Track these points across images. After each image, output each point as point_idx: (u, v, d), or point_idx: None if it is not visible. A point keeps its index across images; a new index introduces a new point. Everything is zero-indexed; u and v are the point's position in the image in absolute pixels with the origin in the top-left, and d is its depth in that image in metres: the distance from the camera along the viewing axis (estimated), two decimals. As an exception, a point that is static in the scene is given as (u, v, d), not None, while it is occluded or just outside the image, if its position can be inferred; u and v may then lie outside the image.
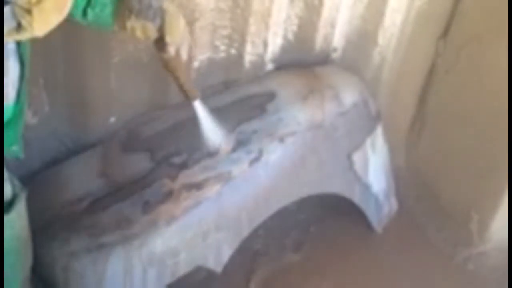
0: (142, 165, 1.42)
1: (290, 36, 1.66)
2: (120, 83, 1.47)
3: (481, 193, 1.78)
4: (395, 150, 1.86)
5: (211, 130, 1.24)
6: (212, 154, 1.38)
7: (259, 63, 1.65)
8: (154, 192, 1.37)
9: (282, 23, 1.61)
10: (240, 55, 1.60)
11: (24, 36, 0.78)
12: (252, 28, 1.56)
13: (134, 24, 1.00)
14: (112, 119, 1.52)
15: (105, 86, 1.46)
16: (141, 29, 1.01)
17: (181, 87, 1.15)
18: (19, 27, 0.76)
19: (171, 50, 1.05)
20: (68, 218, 1.34)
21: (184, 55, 1.08)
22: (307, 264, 1.71)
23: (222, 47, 1.57)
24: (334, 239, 1.77)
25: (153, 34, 1.02)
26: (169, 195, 1.37)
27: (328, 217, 1.81)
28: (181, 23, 1.06)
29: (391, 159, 1.80)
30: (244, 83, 1.64)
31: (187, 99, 1.19)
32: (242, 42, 1.58)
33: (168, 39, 1.03)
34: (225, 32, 1.54)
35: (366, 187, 1.74)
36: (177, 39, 1.05)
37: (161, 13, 1.01)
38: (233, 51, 1.59)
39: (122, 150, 1.48)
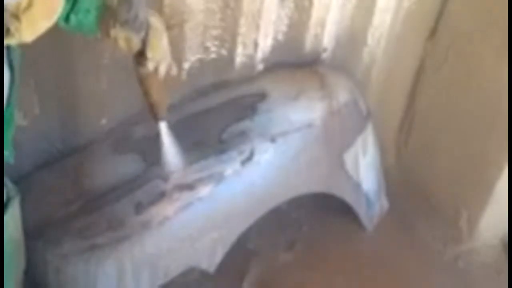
0: (134, 166, 1.42)
1: (281, 36, 1.67)
2: (111, 84, 1.46)
3: (470, 191, 1.80)
4: (385, 149, 1.88)
5: (172, 153, 1.24)
6: (165, 175, 1.37)
7: (250, 63, 1.65)
8: (147, 193, 1.37)
9: (272, 24, 1.62)
10: (231, 56, 1.61)
11: (12, 41, 0.78)
12: (243, 29, 1.56)
13: (118, 33, 0.99)
14: (104, 121, 1.52)
15: (96, 88, 1.45)
16: (124, 39, 1.00)
17: (150, 105, 1.13)
18: (7, 32, 0.76)
19: (150, 65, 1.04)
20: (60, 220, 1.33)
21: (162, 73, 1.06)
22: (300, 263, 1.72)
23: (213, 48, 1.57)
24: (326, 238, 1.78)
25: (136, 46, 1.01)
26: (161, 196, 1.37)
27: (320, 216, 1.82)
28: (164, 40, 1.04)
29: (381, 158, 1.82)
30: (235, 84, 1.64)
31: (154, 118, 1.17)
32: (233, 43, 1.58)
33: (149, 54, 1.02)
34: (215, 33, 1.54)
35: (357, 186, 1.75)
36: (158, 55, 1.03)
37: (146, 27, 1.00)
38: (223, 52, 1.59)
39: (113, 151, 1.48)
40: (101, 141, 1.50)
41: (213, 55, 1.58)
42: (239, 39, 1.58)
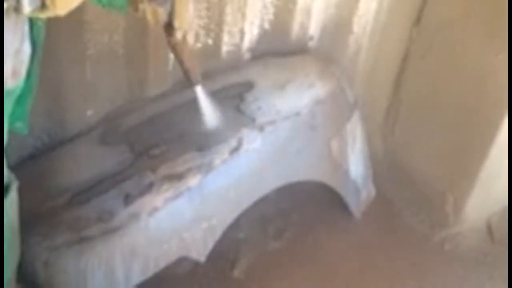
0: (122, 158, 1.41)
1: (267, 25, 1.66)
2: (96, 76, 1.45)
3: (456, 176, 1.83)
4: (372, 136, 1.89)
5: (210, 113, 1.32)
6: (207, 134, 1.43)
7: (237, 53, 1.65)
8: (135, 184, 1.37)
9: (258, 12, 1.62)
10: (217, 45, 1.60)
11: (47, 14, 0.85)
12: (229, 18, 1.55)
13: (146, 7, 1.06)
14: (89, 112, 1.50)
15: (81, 79, 1.44)
16: (151, 13, 1.06)
17: (185, 71, 1.21)
18: (43, 6, 0.83)
19: (178, 35, 1.11)
20: (48, 213, 1.32)
21: (190, 40, 1.14)
22: (289, 251, 1.73)
23: (199, 38, 1.56)
24: (315, 225, 1.80)
25: (162, 18, 1.08)
26: (150, 187, 1.37)
27: (308, 204, 1.83)
28: (190, 10, 1.13)
29: (368, 144, 1.83)
30: (222, 73, 1.64)
31: (189, 83, 1.25)
32: (219, 32, 1.57)
33: (176, 24, 1.09)
34: (201, 22, 1.53)
35: (345, 174, 1.76)
36: (184, 25, 1.10)
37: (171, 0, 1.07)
38: (210, 41, 1.58)
39: (100, 143, 1.47)
40: (87, 133, 1.49)
41: (199, 45, 1.57)
42: (225, 28, 1.57)
